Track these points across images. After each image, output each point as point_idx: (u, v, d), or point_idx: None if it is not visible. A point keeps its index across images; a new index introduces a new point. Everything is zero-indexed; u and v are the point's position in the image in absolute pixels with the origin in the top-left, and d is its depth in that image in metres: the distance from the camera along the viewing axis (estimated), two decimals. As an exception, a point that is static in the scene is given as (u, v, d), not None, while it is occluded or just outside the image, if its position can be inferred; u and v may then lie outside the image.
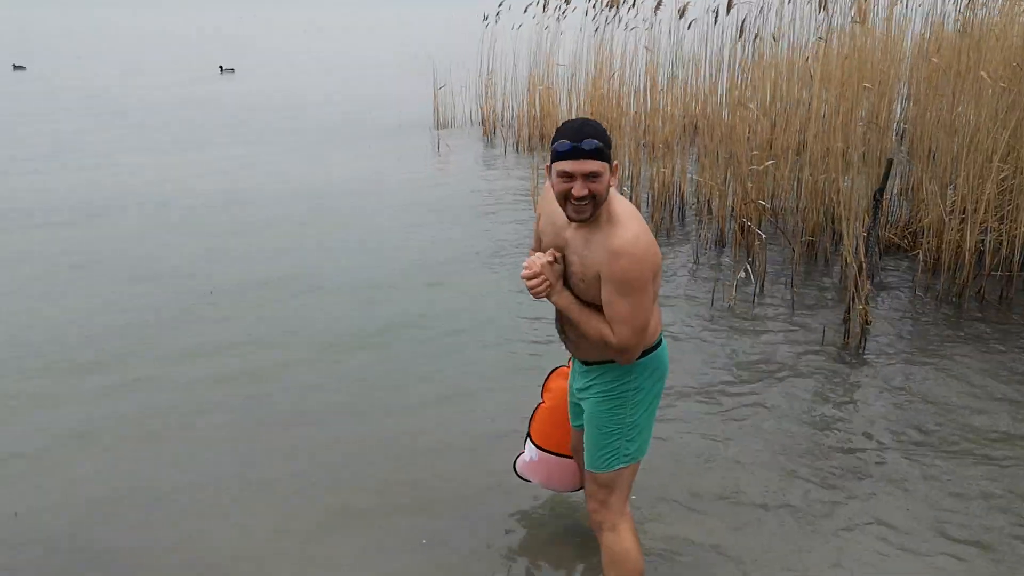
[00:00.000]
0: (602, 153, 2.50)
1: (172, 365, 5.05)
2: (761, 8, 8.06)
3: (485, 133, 13.23)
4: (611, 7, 10.18)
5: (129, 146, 12.24)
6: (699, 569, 3.28)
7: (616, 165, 2.58)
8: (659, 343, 2.82)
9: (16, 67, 22.46)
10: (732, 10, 8.24)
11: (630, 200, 8.28)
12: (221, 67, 23.56)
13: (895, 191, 7.20)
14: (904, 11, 7.73)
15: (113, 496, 3.77)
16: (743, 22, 7.91)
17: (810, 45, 7.59)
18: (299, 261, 7.02)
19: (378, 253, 7.27)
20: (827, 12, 7.27)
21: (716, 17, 8.25)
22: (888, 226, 6.92)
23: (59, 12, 59.01)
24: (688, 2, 9.04)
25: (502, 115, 13.39)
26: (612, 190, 2.61)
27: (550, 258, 2.64)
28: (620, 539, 2.86)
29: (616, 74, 10.79)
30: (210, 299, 6.13)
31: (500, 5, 12.57)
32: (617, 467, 2.82)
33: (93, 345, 5.34)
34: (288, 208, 8.80)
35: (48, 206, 8.73)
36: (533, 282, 2.63)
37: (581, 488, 3.40)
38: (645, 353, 2.76)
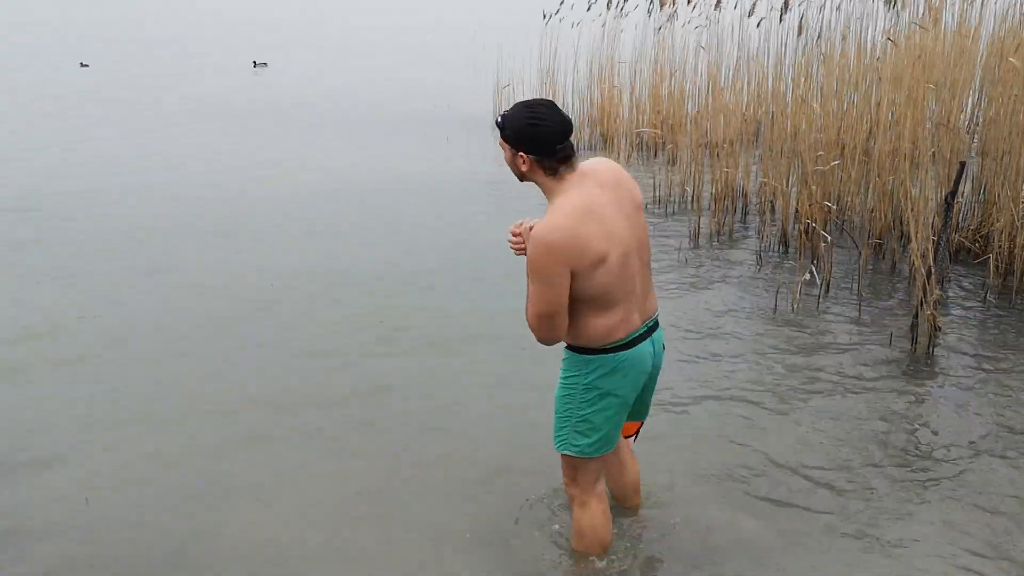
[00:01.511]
0: (502, 133, 2.80)
1: (235, 351, 5.18)
2: (823, 6, 7.94)
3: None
4: (668, 4, 10.11)
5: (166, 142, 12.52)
6: (762, 576, 3.26)
7: (512, 153, 2.79)
8: (614, 347, 2.85)
9: (82, 65, 23.06)
10: (798, 7, 8.14)
11: (691, 197, 8.27)
12: (255, 62, 23.70)
13: (967, 194, 7.03)
14: (979, 10, 7.55)
15: (179, 485, 3.87)
16: (801, 20, 7.80)
17: (878, 44, 7.46)
18: (360, 252, 7.12)
19: (430, 247, 7.33)
20: (895, 10, 7.13)
21: (781, 15, 8.14)
22: (959, 230, 6.77)
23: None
24: (756, 0, 8.95)
25: (571, 113, 13.40)
26: (552, 185, 2.79)
27: (530, 225, 2.86)
28: (588, 514, 3.10)
29: (677, 73, 10.74)
30: (272, 290, 6.25)
31: (561, 4, 12.57)
32: (568, 453, 3.00)
33: (168, 336, 5.48)
34: (349, 202, 8.92)
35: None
36: (513, 239, 2.92)
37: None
38: (594, 352, 2.86)
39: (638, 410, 3.20)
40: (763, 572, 3.27)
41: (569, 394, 2.96)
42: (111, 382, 4.86)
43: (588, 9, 11.88)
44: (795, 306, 5.94)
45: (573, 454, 3.00)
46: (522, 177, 2.83)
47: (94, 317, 5.80)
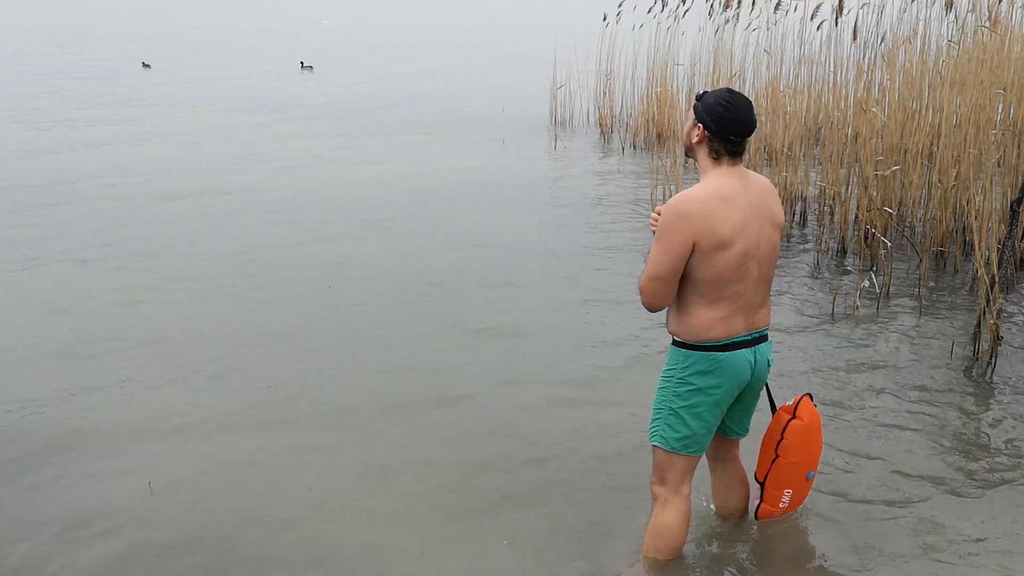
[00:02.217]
0: (696, 102, 3.00)
1: (291, 356, 5.31)
2: (882, 8, 7.85)
3: (602, 132, 13.26)
4: (727, 7, 10.06)
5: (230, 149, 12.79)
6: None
7: (693, 123, 2.97)
8: (716, 347, 2.95)
9: (144, 65, 23.58)
10: (858, 10, 8.05)
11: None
12: (301, 63, 23.99)
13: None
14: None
15: (238, 477, 4.01)
16: (856, 24, 7.72)
17: (941, 48, 7.35)
18: (412, 254, 7.23)
19: (491, 250, 7.41)
20: (956, 13, 7.03)
21: (836, 19, 8.07)
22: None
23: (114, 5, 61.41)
24: (820, 3, 8.87)
25: (620, 115, 13.38)
26: (708, 166, 2.96)
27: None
28: (667, 513, 3.15)
29: (736, 75, 10.67)
30: (328, 293, 6.39)
31: (620, 5, 12.57)
32: (655, 444, 3.11)
33: (217, 340, 5.65)
34: (405, 203, 9.05)
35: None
36: (654, 218, 2.99)
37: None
38: (693, 348, 2.98)
39: (736, 423, 3.25)
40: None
41: (665, 386, 3.08)
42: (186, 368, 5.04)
43: (648, 11, 11.87)
44: (854, 312, 5.90)
45: (661, 446, 3.10)
46: (689, 149, 3.03)
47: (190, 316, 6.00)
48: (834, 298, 6.12)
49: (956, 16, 7.43)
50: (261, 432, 4.43)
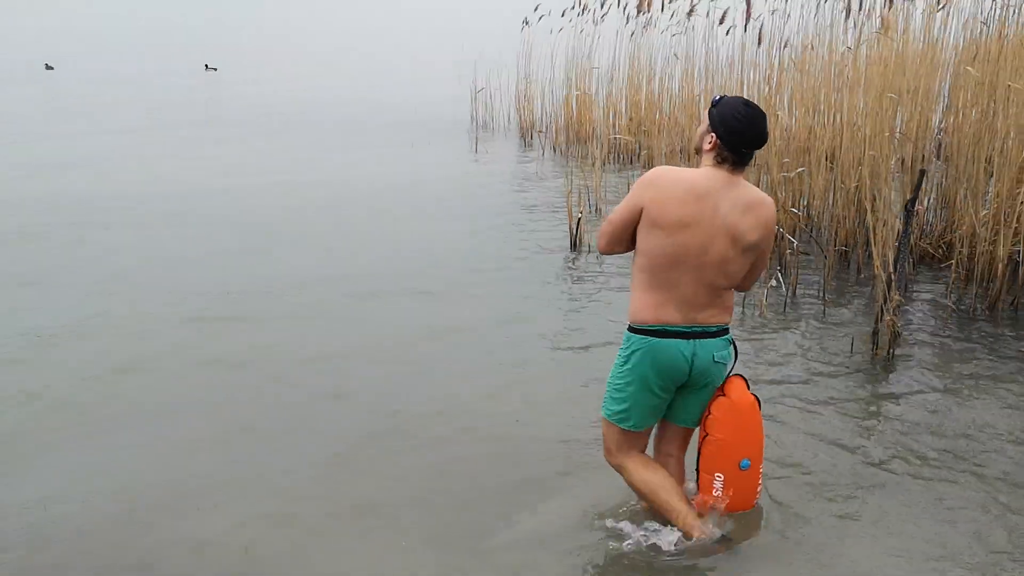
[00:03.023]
0: (711, 109, 3.13)
1: (191, 360, 5.21)
2: (787, 15, 8.06)
3: (522, 137, 13.32)
4: (640, 11, 10.22)
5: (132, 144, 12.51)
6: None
7: (707, 129, 3.11)
8: (649, 331, 3.15)
9: (48, 67, 22.87)
10: (768, 16, 8.25)
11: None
12: (206, 65, 23.66)
13: (931, 201, 7.15)
14: (945, 17, 7.68)
15: (138, 488, 3.91)
16: (760, 29, 7.91)
17: (842, 53, 7.57)
18: (331, 260, 7.16)
19: (407, 254, 7.39)
20: (857, 19, 7.26)
21: (745, 24, 8.26)
22: (924, 236, 6.88)
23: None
24: (727, 9, 9.06)
25: (540, 119, 13.46)
26: (707, 162, 3.11)
27: None
28: (630, 475, 3.36)
29: (652, 79, 10.84)
30: (230, 298, 6.28)
31: (536, 9, 12.65)
32: (603, 415, 3.36)
33: (130, 345, 5.51)
34: (319, 207, 8.97)
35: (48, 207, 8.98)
36: None
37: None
38: (632, 330, 3.21)
39: (681, 408, 3.34)
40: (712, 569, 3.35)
41: (616, 363, 3.31)
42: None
43: (563, 15, 11.96)
44: (761, 310, 6.03)
45: (605, 416, 3.36)
46: (698, 149, 3.16)
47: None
48: (743, 297, 6.25)
49: (854, 23, 7.66)
50: (164, 425, 4.33)
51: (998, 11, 6.83)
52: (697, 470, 3.37)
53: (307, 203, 9.21)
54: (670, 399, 3.29)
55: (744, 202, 3.05)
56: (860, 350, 5.38)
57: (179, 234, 7.99)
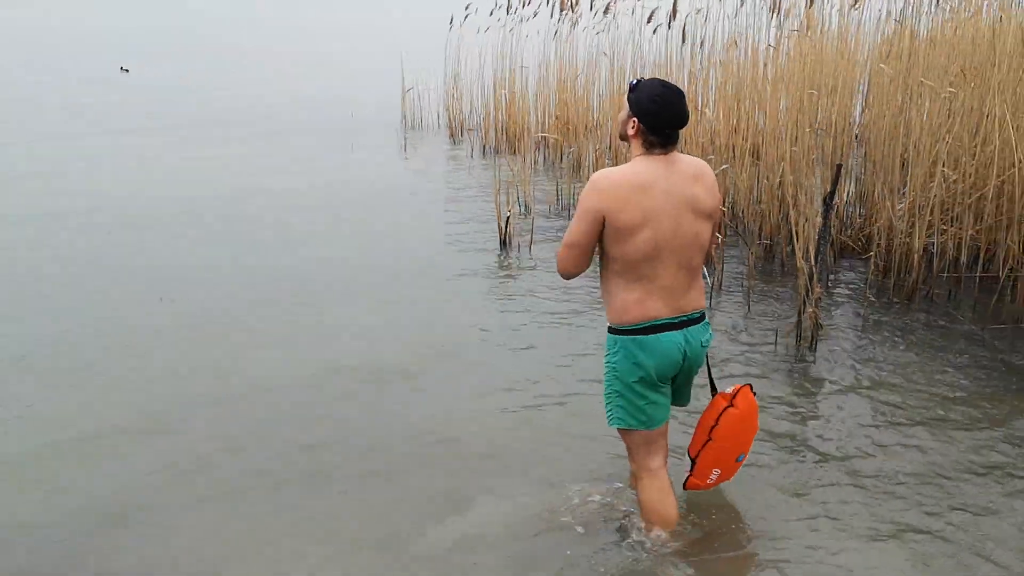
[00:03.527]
0: (630, 94, 3.14)
1: (130, 363, 5.08)
2: (707, 16, 8.20)
3: (452, 136, 13.29)
4: (563, 9, 10.29)
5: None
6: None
7: (628, 115, 3.11)
8: (637, 330, 3.13)
9: None
10: (693, 15, 8.37)
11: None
12: (122, 67, 23.16)
13: (851, 195, 7.35)
14: (858, 18, 7.90)
15: (97, 507, 3.80)
16: (684, 28, 8.04)
17: (764, 51, 7.73)
18: (259, 262, 7.05)
19: (333, 256, 7.32)
20: (779, 18, 7.42)
21: (669, 23, 8.38)
22: (843, 229, 7.06)
23: None
24: (656, 8, 9.17)
25: (469, 118, 13.44)
26: (639, 153, 3.11)
27: None
28: (643, 490, 3.37)
29: (580, 78, 10.91)
30: (160, 304, 6.15)
31: (467, 8, 12.62)
32: (612, 425, 3.32)
33: (67, 351, 5.35)
34: (246, 207, 8.82)
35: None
36: None
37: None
38: (619, 332, 3.17)
39: (674, 395, 3.38)
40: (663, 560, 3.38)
41: (607, 371, 3.27)
42: None
43: (490, 14, 11.95)
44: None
45: (618, 426, 3.31)
46: (623, 136, 3.18)
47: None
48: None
49: (779, 22, 7.83)
50: (86, 426, 4.21)
51: (910, 10, 7.06)
52: (694, 460, 3.45)
53: (235, 205, 9.05)
54: (668, 388, 3.32)
55: (690, 174, 3.11)
56: (784, 342, 5.50)
57: (104, 240, 7.78)
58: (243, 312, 6.05)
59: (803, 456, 4.16)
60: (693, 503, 3.72)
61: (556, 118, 11.21)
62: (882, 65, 6.55)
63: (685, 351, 3.19)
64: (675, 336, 3.15)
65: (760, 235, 7.15)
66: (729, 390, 3.44)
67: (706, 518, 3.65)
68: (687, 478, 3.51)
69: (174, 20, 45.21)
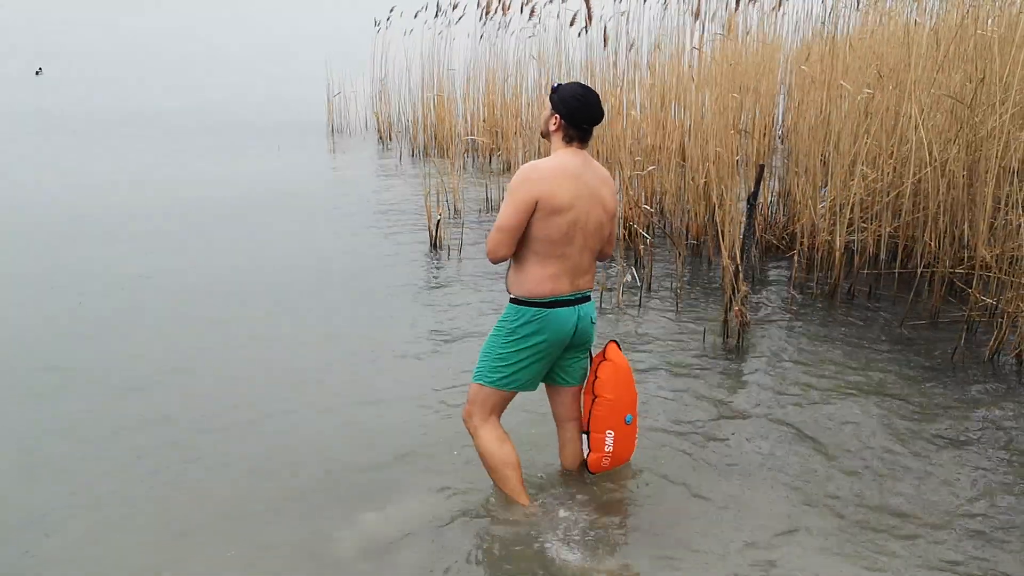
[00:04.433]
0: (552, 94, 3.48)
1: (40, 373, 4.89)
2: (629, 18, 8.28)
3: (380, 139, 13.18)
4: (487, 13, 10.30)
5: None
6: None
7: (550, 113, 3.45)
8: (542, 303, 3.42)
9: None
10: (616, 18, 8.44)
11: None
12: (39, 69, 22.61)
13: (775, 195, 7.49)
14: (778, 20, 8.06)
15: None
16: (604, 30, 8.11)
17: (688, 52, 7.83)
18: (182, 267, 6.87)
19: (262, 261, 7.18)
20: (700, 21, 7.53)
21: (585, 27, 8.44)
22: (768, 229, 7.19)
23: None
24: (577, 11, 9.22)
25: (398, 121, 13.35)
26: (560, 147, 3.45)
27: None
28: (480, 441, 3.60)
29: (508, 81, 10.92)
30: (79, 309, 5.95)
31: (391, 11, 12.55)
32: (479, 382, 3.55)
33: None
34: (169, 213, 8.61)
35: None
36: None
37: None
38: (524, 303, 3.44)
39: (566, 371, 3.64)
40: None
41: (496, 334, 3.53)
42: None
43: (415, 16, 11.91)
44: (618, 306, 6.15)
45: (483, 383, 3.54)
46: (545, 133, 3.51)
47: None
48: (601, 293, 6.36)
49: (702, 24, 7.94)
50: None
51: (827, 14, 7.23)
52: (588, 433, 3.64)
53: (158, 209, 8.81)
54: (552, 363, 3.58)
55: (600, 176, 3.50)
56: (712, 339, 5.56)
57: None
58: (151, 318, 5.88)
59: (727, 451, 4.20)
60: (607, 501, 3.73)
61: (485, 120, 11.20)
62: (803, 67, 6.69)
63: (577, 324, 3.50)
64: (569, 311, 3.48)
65: (687, 235, 7.24)
66: (597, 352, 3.68)
67: (617, 512, 3.66)
68: (587, 456, 3.68)
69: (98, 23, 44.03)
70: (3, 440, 4.29)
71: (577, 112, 3.40)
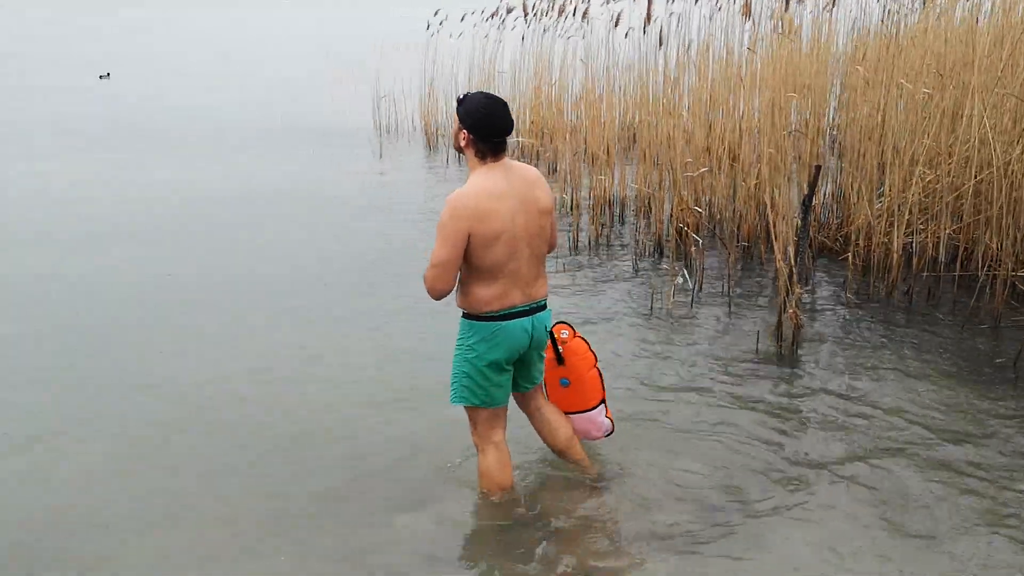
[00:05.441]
0: (457, 108, 3.37)
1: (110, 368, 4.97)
2: (680, 18, 8.20)
3: (428, 142, 13.23)
4: (535, 16, 10.28)
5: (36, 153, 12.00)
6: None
7: (459, 128, 3.36)
8: (494, 317, 3.38)
9: None
10: (665, 18, 8.37)
11: (570, 205, 8.37)
12: (107, 73, 23.05)
13: (827, 196, 7.36)
14: (831, 19, 7.92)
15: (33, 512, 3.70)
16: (660, 32, 8.03)
17: (740, 53, 7.74)
18: (238, 266, 6.95)
19: (315, 259, 7.24)
20: (753, 21, 7.43)
21: (644, 27, 8.37)
22: (821, 230, 7.07)
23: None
24: (620, 12, 9.16)
25: (445, 124, 13.39)
26: (475, 164, 3.36)
27: None
28: (484, 460, 3.62)
29: (555, 83, 10.89)
30: (97, 311, 6.05)
31: (436, 14, 12.59)
32: (457, 403, 3.55)
33: (41, 355, 5.23)
34: (232, 213, 8.73)
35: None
36: None
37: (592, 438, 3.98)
38: (475, 318, 3.41)
39: (524, 378, 3.66)
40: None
41: (458, 353, 3.51)
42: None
43: (462, 19, 11.92)
44: (669, 309, 6.09)
45: (462, 403, 3.54)
46: (458, 148, 3.41)
47: None
48: (652, 295, 6.30)
49: (754, 23, 7.84)
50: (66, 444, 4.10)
51: (882, 13, 7.10)
52: (604, 402, 3.86)
53: (204, 213, 8.94)
54: (512, 371, 3.58)
55: (527, 179, 3.40)
56: (765, 343, 5.47)
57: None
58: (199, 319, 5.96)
59: (783, 457, 4.13)
60: (647, 497, 3.68)
61: (532, 122, 11.19)
62: (858, 67, 6.56)
63: (532, 335, 3.49)
64: (524, 322, 3.45)
65: (738, 237, 7.15)
66: (560, 336, 3.82)
67: (664, 510, 3.61)
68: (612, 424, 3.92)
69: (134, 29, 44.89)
70: (71, 440, 4.37)
71: (483, 125, 3.29)
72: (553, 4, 10.30)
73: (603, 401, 3.86)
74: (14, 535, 3.59)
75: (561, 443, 3.82)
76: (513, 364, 3.55)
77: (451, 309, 3.59)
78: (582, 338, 3.85)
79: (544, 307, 3.55)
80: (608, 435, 3.95)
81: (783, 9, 7.21)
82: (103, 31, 46.64)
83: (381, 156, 12.32)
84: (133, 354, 5.41)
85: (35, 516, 3.72)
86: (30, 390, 4.91)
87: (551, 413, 3.82)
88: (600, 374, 3.84)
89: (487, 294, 3.36)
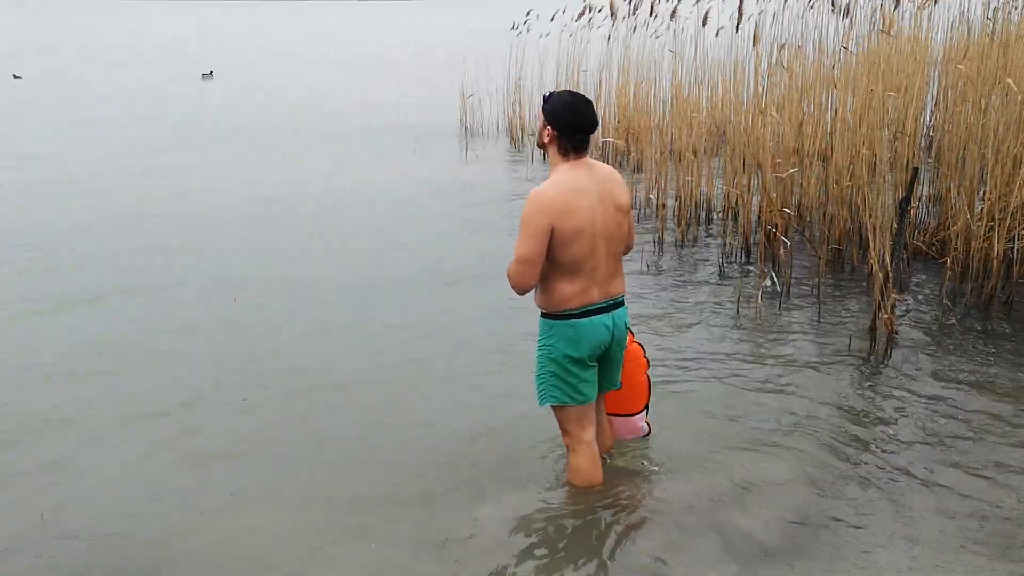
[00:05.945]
0: (543, 105, 3.45)
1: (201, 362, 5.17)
2: (774, 16, 8.06)
3: (512, 141, 13.30)
4: (629, 15, 10.23)
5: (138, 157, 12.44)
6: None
7: (543, 124, 3.42)
8: (573, 315, 3.43)
9: (15, 76, 22.72)
10: (757, 15, 8.26)
11: (656, 205, 8.32)
12: (211, 72, 23.74)
13: (923, 199, 7.16)
14: (931, 17, 7.71)
15: (135, 496, 3.87)
16: (755, 30, 7.92)
17: (834, 52, 7.58)
18: (321, 263, 7.12)
19: (395, 258, 7.37)
20: (850, 19, 7.27)
21: (737, 25, 8.26)
22: (916, 234, 6.88)
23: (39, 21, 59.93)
24: (708, 9, 9.07)
25: (530, 123, 13.44)
26: (558, 161, 3.43)
27: None
28: (575, 459, 3.69)
29: (642, 82, 10.83)
30: (234, 305, 6.25)
31: (528, 14, 12.64)
32: (545, 404, 3.60)
33: (120, 349, 5.46)
34: (310, 211, 8.95)
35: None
36: None
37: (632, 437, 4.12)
38: (555, 317, 3.46)
39: (605, 378, 3.70)
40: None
41: (540, 354, 3.56)
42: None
43: (552, 19, 11.94)
44: (757, 311, 6.02)
45: (550, 403, 3.59)
46: (541, 144, 3.48)
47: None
48: (738, 297, 6.24)
49: (851, 21, 7.67)
50: (154, 440, 4.29)
51: (984, 11, 6.87)
52: (648, 407, 4.01)
53: (294, 211, 9.18)
54: (596, 368, 3.61)
55: (607, 178, 3.46)
56: (857, 348, 5.37)
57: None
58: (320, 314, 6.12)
59: (868, 463, 4.05)
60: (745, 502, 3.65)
61: (619, 122, 11.15)
62: (959, 66, 6.37)
63: (613, 331, 3.53)
64: (604, 318, 3.49)
65: (828, 240, 7.01)
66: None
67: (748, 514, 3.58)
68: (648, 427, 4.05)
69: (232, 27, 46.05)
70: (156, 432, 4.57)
71: (568, 123, 3.36)
72: (641, 3, 10.24)
73: (647, 407, 3.96)
74: (126, 506, 3.77)
75: (602, 450, 3.87)
76: (598, 361, 3.59)
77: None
78: (639, 344, 3.92)
79: (622, 303, 3.60)
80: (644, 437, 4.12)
81: (890, 8, 7.03)
82: (190, 31, 48.09)
83: (466, 156, 12.45)
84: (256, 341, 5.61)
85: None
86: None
87: (604, 419, 3.90)
88: (649, 381, 3.95)
89: (567, 291, 3.41)
